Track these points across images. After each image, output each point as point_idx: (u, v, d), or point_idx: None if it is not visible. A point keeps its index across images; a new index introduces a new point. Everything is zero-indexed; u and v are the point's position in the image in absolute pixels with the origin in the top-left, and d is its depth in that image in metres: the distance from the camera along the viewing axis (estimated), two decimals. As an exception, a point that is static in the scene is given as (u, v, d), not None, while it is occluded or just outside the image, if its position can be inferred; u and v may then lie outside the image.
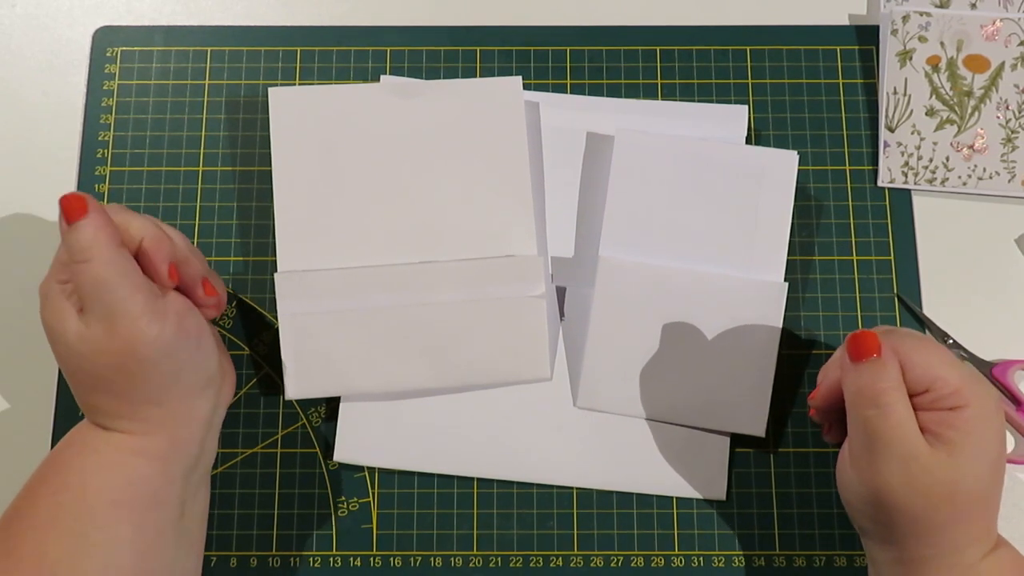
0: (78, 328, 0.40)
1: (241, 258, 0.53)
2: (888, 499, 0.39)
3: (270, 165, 0.51)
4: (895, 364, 0.40)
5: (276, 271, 0.50)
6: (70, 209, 0.39)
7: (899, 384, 0.39)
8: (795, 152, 0.51)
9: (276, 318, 0.50)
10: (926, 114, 0.54)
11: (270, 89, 0.52)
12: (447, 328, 0.49)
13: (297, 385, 0.49)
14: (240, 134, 0.55)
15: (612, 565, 0.49)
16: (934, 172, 0.53)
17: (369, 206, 0.51)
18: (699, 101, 0.55)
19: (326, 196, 0.51)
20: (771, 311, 0.50)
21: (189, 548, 0.43)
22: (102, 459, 0.41)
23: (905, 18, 0.55)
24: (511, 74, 0.55)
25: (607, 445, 0.50)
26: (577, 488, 0.50)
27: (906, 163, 0.54)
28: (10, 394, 0.52)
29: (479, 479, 0.50)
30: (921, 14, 0.55)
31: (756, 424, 0.49)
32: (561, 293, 0.52)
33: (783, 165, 0.51)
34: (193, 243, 0.53)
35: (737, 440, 0.50)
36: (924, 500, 0.38)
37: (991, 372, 0.49)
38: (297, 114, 0.51)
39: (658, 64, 0.56)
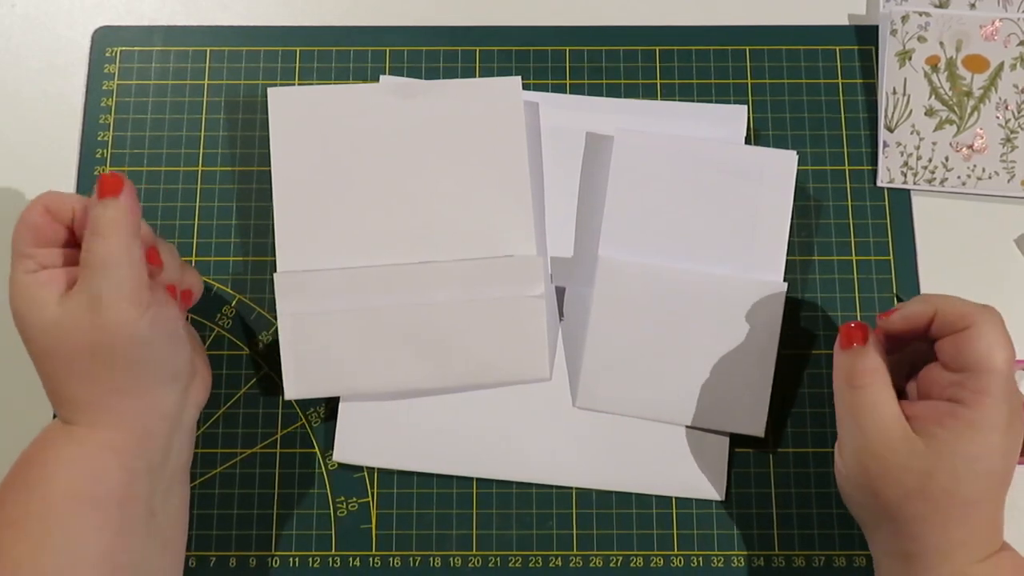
0: (61, 307, 0.40)
1: (241, 258, 0.53)
2: (868, 479, 0.40)
3: (270, 165, 0.51)
4: (879, 352, 0.42)
5: (276, 271, 0.50)
6: (106, 186, 0.40)
7: (880, 369, 0.41)
8: (794, 152, 0.51)
9: (276, 318, 0.50)
10: (925, 114, 0.54)
11: (269, 89, 0.52)
12: (446, 328, 0.49)
13: (296, 385, 0.49)
14: (240, 134, 0.55)
15: (611, 565, 0.49)
16: (933, 172, 0.53)
17: (368, 206, 0.51)
18: (699, 101, 0.55)
19: (325, 196, 0.51)
20: (771, 311, 0.50)
21: (162, 547, 0.43)
22: (65, 455, 0.41)
23: (904, 18, 0.55)
24: (511, 74, 0.55)
25: (607, 445, 0.50)
26: (576, 488, 0.50)
27: (905, 163, 0.54)
28: (10, 394, 0.52)
29: (479, 479, 0.50)
30: (920, 14, 0.55)
31: (755, 424, 0.49)
32: (560, 293, 0.52)
33: (782, 165, 0.51)
34: (193, 243, 0.53)
35: (737, 440, 0.50)
36: (897, 484, 0.39)
37: (991, 372, 0.50)
38: (297, 114, 0.51)
39: (658, 64, 0.56)
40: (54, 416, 0.51)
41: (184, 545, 0.45)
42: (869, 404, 0.41)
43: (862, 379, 0.41)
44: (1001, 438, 0.39)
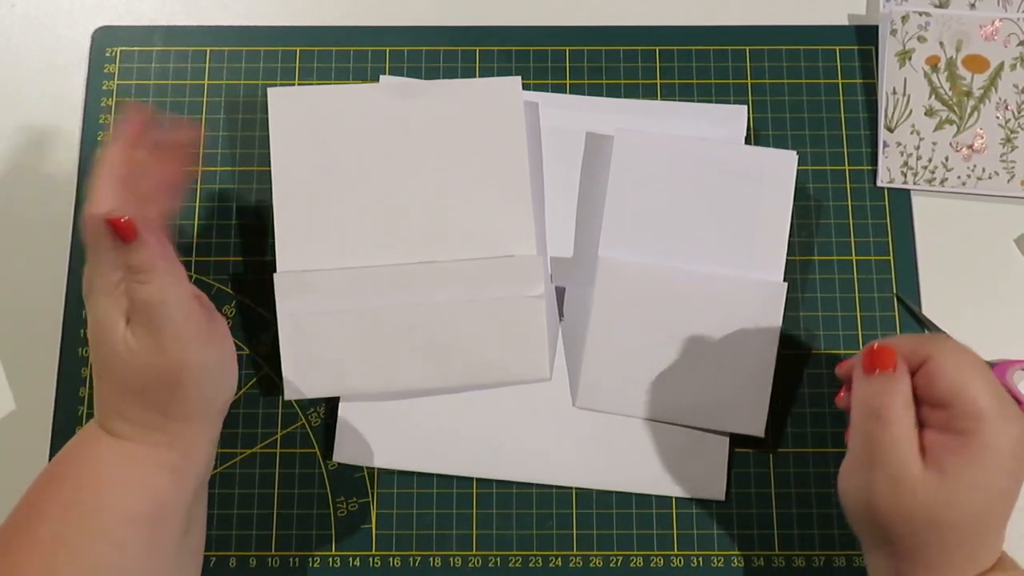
0: (126, 337, 0.40)
1: (241, 258, 0.53)
2: (875, 512, 0.39)
3: (270, 165, 0.51)
4: (906, 381, 0.39)
5: (276, 271, 0.50)
6: (122, 232, 0.39)
7: (906, 402, 0.39)
8: (794, 152, 0.51)
9: (276, 318, 0.50)
10: (925, 114, 0.54)
11: (269, 89, 0.52)
12: (447, 328, 0.49)
13: (296, 386, 0.49)
14: (240, 134, 0.55)
15: (611, 565, 0.49)
16: (933, 172, 0.53)
17: (369, 206, 0.51)
18: (699, 101, 0.55)
19: (326, 196, 0.51)
20: (770, 311, 0.50)
21: (191, 559, 0.43)
22: (118, 474, 0.40)
23: (904, 18, 0.55)
24: (511, 74, 0.55)
25: (607, 445, 0.50)
26: (576, 488, 0.50)
27: (905, 163, 0.54)
28: (10, 394, 0.52)
29: (478, 479, 0.50)
30: (920, 14, 0.55)
31: (755, 424, 0.49)
32: (561, 293, 0.52)
33: (782, 165, 0.51)
34: (193, 243, 0.53)
35: (737, 440, 0.50)
36: (907, 521, 0.38)
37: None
38: (297, 114, 0.51)
39: (658, 64, 0.56)
40: (54, 418, 0.51)
41: (203, 548, 0.46)
42: (890, 440, 0.38)
43: (887, 413, 0.38)
44: (1009, 461, 0.38)
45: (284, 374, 0.49)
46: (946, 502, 0.38)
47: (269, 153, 0.52)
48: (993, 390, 0.39)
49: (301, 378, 0.49)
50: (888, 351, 0.39)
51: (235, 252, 0.53)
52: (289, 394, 0.49)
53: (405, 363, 0.49)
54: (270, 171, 0.52)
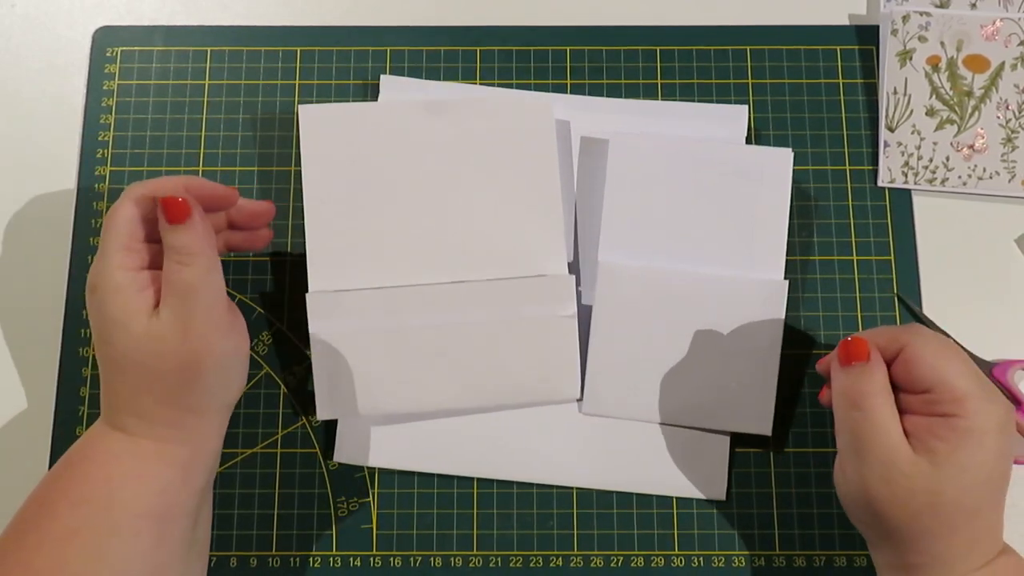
0: (151, 324, 0.40)
1: (241, 258, 0.53)
2: (873, 503, 0.39)
3: (269, 165, 0.51)
4: (882, 370, 0.40)
5: (308, 291, 0.49)
6: (174, 212, 0.40)
7: (884, 389, 0.40)
8: (789, 149, 0.51)
9: (275, 317, 0.50)
10: (926, 114, 0.54)
11: (300, 107, 0.51)
12: (479, 349, 0.49)
13: (329, 407, 0.49)
14: (240, 134, 0.55)
15: (612, 565, 0.49)
16: (934, 172, 0.53)
17: (400, 225, 0.50)
18: (699, 101, 0.55)
19: (357, 216, 0.50)
20: (773, 309, 0.50)
21: (199, 556, 0.44)
22: (129, 470, 0.40)
23: (905, 18, 0.55)
24: (511, 74, 0.55)
25: (607, 445, 0.50)
26: (577, 488, 0.50)
27: (906, 163, 0.54)
28: (11, 394, 0.52)
29: (479, 479, 0.50)
30: (921, 14, 0.55)
31: (762, 423, 0.49)
32: (587, 311, 0.51)
33: (778, 163, 0.51)
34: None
35: (737, 440, 0.50)
36: (904, 506, 0.38)
37: (991, 372, 0.50)
38: (327, 132, 0.51)
39: (658, 64, 0.56)
40: (55, 418, 0.51)
41: (209, 545, 0.46)
42: (874, 428, 0.39)
43: (867, 401, 0.40)
44: (996, 439, 0.38)
45: (317, 395, 0.49)
46: (940, 485, 0.38)
47: (269, 153, 0.52)
48: (972, 372, 0.39)
49: (334, 399, 0.49)
50: (861, 342, 0.40)
51: (235, 252, 0.53)
52: (320, 415, 0.49)
53: (437, 383, 0.49)
54: (269, 171, 0.51)
